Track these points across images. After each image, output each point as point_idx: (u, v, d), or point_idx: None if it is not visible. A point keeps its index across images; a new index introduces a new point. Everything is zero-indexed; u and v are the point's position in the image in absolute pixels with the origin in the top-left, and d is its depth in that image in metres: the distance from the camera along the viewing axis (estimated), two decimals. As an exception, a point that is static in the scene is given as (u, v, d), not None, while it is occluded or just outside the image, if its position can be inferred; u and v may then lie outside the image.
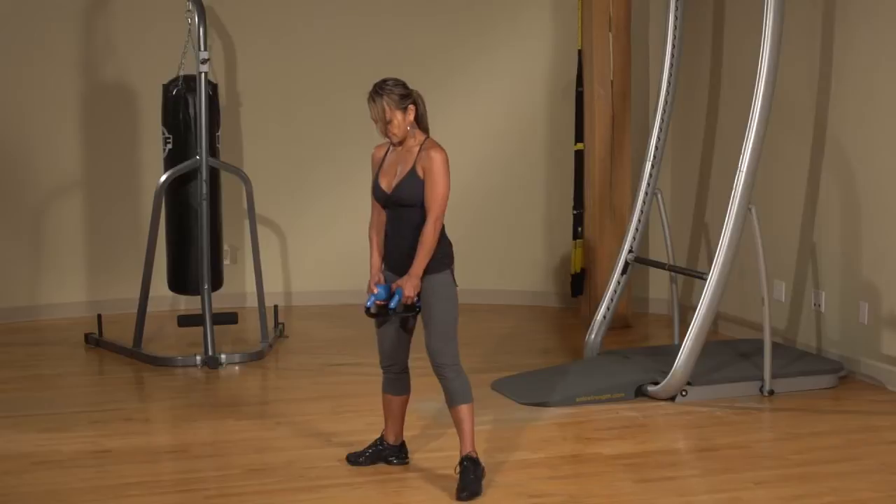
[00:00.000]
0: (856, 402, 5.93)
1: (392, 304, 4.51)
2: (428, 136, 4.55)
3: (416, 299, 4.51)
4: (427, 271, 4.51)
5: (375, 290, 4.57)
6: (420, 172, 4.46)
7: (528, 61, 8.38)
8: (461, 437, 4.60)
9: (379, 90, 4.48)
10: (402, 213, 4.53)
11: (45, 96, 7.93)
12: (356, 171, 8.33)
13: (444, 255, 4.56)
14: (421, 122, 4.56)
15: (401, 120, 4.48)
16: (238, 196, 7.41)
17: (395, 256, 4.59)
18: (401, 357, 4.75)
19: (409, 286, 4.47)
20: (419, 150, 4.49)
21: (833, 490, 4.62)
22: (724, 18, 7.48)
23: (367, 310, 4.59)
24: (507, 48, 8.39)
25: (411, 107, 4.50)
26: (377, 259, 4.67)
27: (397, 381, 4.80)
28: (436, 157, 4.44)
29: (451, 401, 4.59)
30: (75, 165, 8.06)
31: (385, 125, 4.48)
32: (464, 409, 4.57)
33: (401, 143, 4.55)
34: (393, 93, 4.47)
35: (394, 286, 4.54)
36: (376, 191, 4.61)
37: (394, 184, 4.52)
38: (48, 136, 7.96)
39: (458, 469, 4.58)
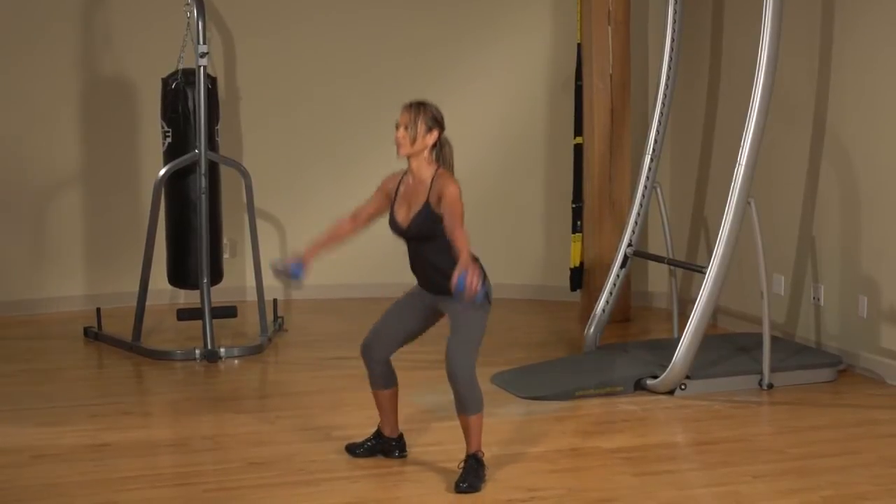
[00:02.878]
0: (855, 396, 5.93)
1: (460, 287, 4.21)
2: (441, 167, 4.55)
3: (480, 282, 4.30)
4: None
5: (293, 261, 4.57)
6: (434, 201, 4.48)
7: (527, 55, 8.37)
8: (468, 440, 4.58)
9: (420, 102, 4.55)
10: (420, 245, 4.57)
11: (44, 90, 7.92)
12: (355, 165, 8.36)
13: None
14: (441, 160, 4.56)
15: (419, 134, 4.49)
16: (237, 190, 7.40)
17: (421, 279, 4.65)
18: (385, 347, 4.72)
19: (469, 272, 4.22)
20: (432, 182, 4.51)
21: (831, 484, 4.62)
22: (723, 11, 7.48)
23: (274, 266, 4.61)
24: (506, 42, 8.38)
25: (435, 132, 4.52)
26: (322, 239, 4.66)
27: (381, 377, 4.78)
28: (451, 186, 4.44)
29: (459, 409, 4.54)
30: (74, 159, 8.06)
31: (403, 130, 4.50)
32: (471, 419, 4.54)
33: (406, 160, 4.54)
34: (430, 112, 4.53)
35: (456, 275, 4.24)
36: (392, 223, 4.62)
37: (410, 218, 4.54)
38: (47, 129, 7.96)
39: (461, 465, 4.59)
